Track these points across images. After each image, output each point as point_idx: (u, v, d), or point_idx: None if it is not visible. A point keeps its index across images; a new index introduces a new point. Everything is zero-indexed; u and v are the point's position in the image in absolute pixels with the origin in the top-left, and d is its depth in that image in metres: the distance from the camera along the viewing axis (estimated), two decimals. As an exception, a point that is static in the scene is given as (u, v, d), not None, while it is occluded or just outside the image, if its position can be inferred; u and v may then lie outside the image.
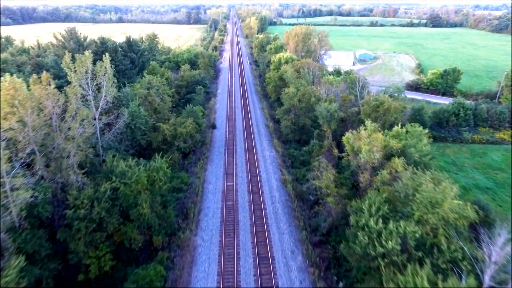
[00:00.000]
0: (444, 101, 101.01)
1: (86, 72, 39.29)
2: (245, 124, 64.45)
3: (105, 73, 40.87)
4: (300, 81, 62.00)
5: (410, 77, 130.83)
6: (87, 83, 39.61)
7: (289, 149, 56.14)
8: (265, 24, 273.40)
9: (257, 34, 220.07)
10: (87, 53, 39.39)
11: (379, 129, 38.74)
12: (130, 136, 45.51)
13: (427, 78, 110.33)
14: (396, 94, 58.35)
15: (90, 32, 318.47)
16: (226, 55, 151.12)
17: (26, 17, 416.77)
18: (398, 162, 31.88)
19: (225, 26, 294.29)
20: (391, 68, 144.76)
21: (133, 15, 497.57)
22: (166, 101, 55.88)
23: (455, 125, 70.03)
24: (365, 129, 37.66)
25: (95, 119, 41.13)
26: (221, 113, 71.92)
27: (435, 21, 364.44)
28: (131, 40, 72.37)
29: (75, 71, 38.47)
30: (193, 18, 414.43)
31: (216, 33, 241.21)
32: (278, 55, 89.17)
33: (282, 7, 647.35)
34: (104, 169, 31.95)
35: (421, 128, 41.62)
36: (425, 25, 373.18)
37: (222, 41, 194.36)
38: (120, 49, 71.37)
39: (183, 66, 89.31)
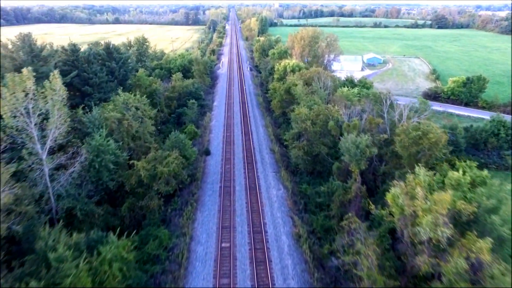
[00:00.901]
0: (468, 113, 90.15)
1: (26, 95, 28.31)
2: (245, 149, 53.35)
3: (52, 97, 29.85)
4: (313, 98, 50.94)
5: (425, 84, 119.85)
6: (28, 112, 28.63)
7: (300, 184, 45.09)
8: (265, 25, 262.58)
9: (258, 36, 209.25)
10: (26, 70, 28.36)
11: (434, 178, 27.73)
12: (94, 178, 34.47)
13: (447, 86, 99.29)
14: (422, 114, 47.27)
15: (84, 33, 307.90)
16: (224, 59, 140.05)
17: (20, 17, 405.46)
18: (481, 245, 20.83)
19: (224, 27, 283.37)
20: (403, 74, 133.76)
21: (130, 16, 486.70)
22: (147, 125, 44.83)
23: (495, 147, 58.96)
24: (414, 178, 26.68)
25: (41, 161, 30.21)
26: (217, 132, 60.82)
27: (441, 22, 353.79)
28: (111, 46, 61.21)
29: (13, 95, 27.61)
30: (191, 19, 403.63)
31: (215, 35, 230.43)
32: (283, 63, 78.15)
33: (282, 7, 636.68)
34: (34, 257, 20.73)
35: (485, 172, 30.76)
36: (430, 26, 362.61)
37: (220, 44, 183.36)
38: (98, 57, 60.32)
39: (174, 76, 78.30)
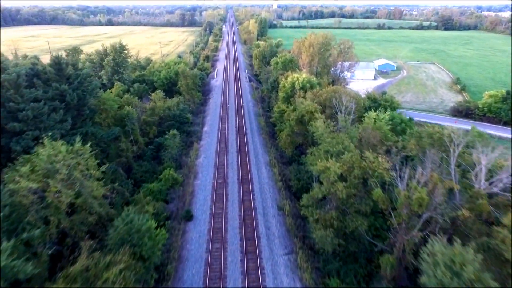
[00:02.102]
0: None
1: None
2: (243, 208, 37.59)
3: None
4: (340, 139, 35.12)
5: (449, 95, 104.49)
6: None
7: (326, 277, 29.48)
8: (265, 27, 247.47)
9: (257, 40, 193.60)
10: None
11: None
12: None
13: (483, 102, 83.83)
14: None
15: (73, 36, 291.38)
16: (220, 66, 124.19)
17: (8, 19, 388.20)
18: None
19: (221, 29, 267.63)
20: (422, 83, 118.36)
21: (124, 17, 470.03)
22: (93, 189, 28.99)
23: None
24: None
25: None
26: (206, 177, 44.99)
27: (447, 24, 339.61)
28: (62, 61, 45.14)
29: None
30: (187, 20, 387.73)
31: (210, 38, 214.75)
32: (290, 77, 62.36)
33: (281, 8, 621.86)
34: None
35: None
36: (436, 27, 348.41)
37: (216, 48, 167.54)
38: (44, 76, 44.47)
39: (153, 95, 62.49)
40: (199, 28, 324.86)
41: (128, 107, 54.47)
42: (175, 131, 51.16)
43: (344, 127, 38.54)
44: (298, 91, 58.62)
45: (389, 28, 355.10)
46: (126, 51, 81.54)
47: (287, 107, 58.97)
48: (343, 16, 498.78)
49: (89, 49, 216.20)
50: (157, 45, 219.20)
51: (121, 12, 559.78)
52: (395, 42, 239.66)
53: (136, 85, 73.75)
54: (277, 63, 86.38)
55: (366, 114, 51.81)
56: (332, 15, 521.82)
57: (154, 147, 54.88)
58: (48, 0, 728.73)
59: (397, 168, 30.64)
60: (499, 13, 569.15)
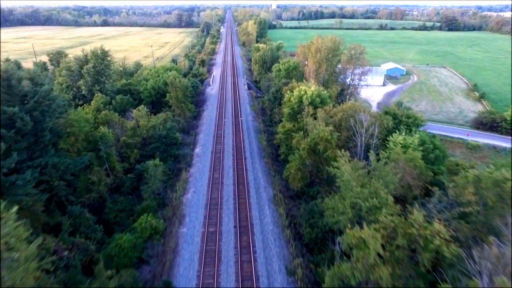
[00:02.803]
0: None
1: None
2: (241, 284, 28.12)
3: None
4: (374, 189, 25.69)
5: (467, 104, 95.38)
6: None
7: None
8: (264, 28, 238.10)
9: (257, 42, 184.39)
10: None
11: None
12: None
13: (510, 113, 74.78)
14: None
15: (66, 37, 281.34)
16: (217, 71, 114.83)
17: (1, 20, 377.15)
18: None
19: (218, 30, 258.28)
20: (436, 90, 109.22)
21: (121, 18, 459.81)
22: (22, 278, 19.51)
23: None
24: None
25: None
26: (194, 223, 35.67)
27: (451, 24, 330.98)
28: (13, 75, 35.58)
29: None
30: (184, 21, 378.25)
31: (207, 40, 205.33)
32: (296, 91, 53.03)
33: (280, 8, 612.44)
34: None
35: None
36: (440, 28, 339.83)
37: (213, 51, 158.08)
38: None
39: (135, 112, 53.04)
40: (197, 29, 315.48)
41: (103, 128, 45.04)
42: (157, 161, 41.62)
43: (375, 168, 29.10)
44: (306, 107, 49.38)
45: (392, 28, 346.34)
46: (109, 57, 72.02)
47: (294, 125, 49.73)
48: (344, 17, 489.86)
49: (79, 52, 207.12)
50: (153, 47, 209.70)
51: (118, 13, 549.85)
52: (399, 44, 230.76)
53: (119, 97, 64.29)
54: (279, 70, 77.12)
55: (390, 137, 42.71)
56: (332, 15, 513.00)
57: (134, 176, 45.50)
58: (46, 0, 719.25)
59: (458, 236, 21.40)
60: (500, 13, 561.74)
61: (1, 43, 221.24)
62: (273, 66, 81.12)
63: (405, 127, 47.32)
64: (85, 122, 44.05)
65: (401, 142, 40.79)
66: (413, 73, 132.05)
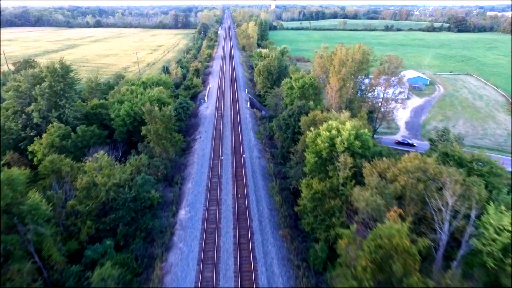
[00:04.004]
0: None
1: None
2: None
3: None
4: None
5: (514, 124, 79.28)
6: None
7: None
8: (265, 30, 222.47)
9: (258, 46, 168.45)
10: None
11: None
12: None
13: None
14: None
15: (54, 39, 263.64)
16: (213, 82, 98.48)
17: (0, 20, 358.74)
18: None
19: (216, 32, 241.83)
20: (470, 104, 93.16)
21: (115, 18, 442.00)
22: None
23: None
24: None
25: None
26: None
27: (460, 25, 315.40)
28: None
29: None
30: (181, 22, 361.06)
31: (204, 44, 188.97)
32: (324, 129, 36.71)
33: (280, 8, 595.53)
34: None
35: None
36: (449, 29, 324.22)
37: (210, 57, 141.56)
38: None
39: (88, 165, 36.42)
40: (193, 31, 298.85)
41: (36, 195, 29.00)
42: (109, 269, 25.29)
43: None
44: (341, 155, 33.19)
45: (398, 29, 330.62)
46: (72, 73, 55.49)
47: (324, 185, 33.45)
48: (346, 17, 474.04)
49: (67, 56, 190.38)
50: (144, 51, 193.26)
51: (113, 13, 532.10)
52: (410, 47, 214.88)
53: (80, 128, 47.84)
54: (291, 88, 60.82)
55: (485, 218, 26.60)
56: (334, 15, 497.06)
57: (82, 267, 29.38)
58: (41, 0, 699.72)
59: None
60: (505, 13, 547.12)
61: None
62: (283, 82, 64.86)
63: (482, 181, 31.02)
64: (7, 187, 28.11)
65: (505, 227, 24.93)
66: (437, 82, 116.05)
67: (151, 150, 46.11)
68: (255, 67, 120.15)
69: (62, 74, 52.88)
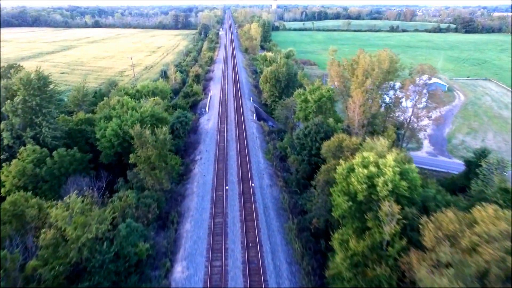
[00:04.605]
0: None
1: None
2: None
3: None
4: None
5: (550, 138, 71.19)
6: None
7: None
8: (268, 31, 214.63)
9: (261, 49, 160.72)
10: None
11: None
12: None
13: None
14: None
15: (50, 40, 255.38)
16: (215, 90, 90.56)
17: (0, 20, 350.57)
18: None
19: (217, 33, 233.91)
20: (496, 115, 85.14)
21: (114, 18, 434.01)
22: None
23: None
24: None
25: None
26: None
27: (468, 26, 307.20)
28: None
29: None
30: (181, 22, 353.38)
31: (205, 45, 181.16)
32: (358, 163, 28.77)
33: (281, 9, 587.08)
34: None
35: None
36: (456, 30, 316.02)
37: (211, 60, 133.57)
38: None
39: (55, 212, 28.29)
40: (194, 31, 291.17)
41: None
42: None
43: None
44: (385, 201, 25.33)
45: (404, 30, 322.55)
46: (51, 85, 47.55)
47: (365, 244, 25.40)
48: (349, 17, 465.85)
49: (62, 58, 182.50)
50: (143, 53, 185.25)
51: (113, 13, 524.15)
52: (419, 49, 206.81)
53: (57, 153, 39.89)
54: (305, 101, 52.85)
55: None
56: (337, 16, 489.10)
57: None
58: (40, 0, 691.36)
59: None
60: (509, 14, 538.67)
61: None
62: (296, 93, 56.82)
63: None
64: None
65: None
66: (455, 88, 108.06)
67: (142, 180, 38.10)
68: (259, 71, 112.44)
69: (39, 87, 44.92)
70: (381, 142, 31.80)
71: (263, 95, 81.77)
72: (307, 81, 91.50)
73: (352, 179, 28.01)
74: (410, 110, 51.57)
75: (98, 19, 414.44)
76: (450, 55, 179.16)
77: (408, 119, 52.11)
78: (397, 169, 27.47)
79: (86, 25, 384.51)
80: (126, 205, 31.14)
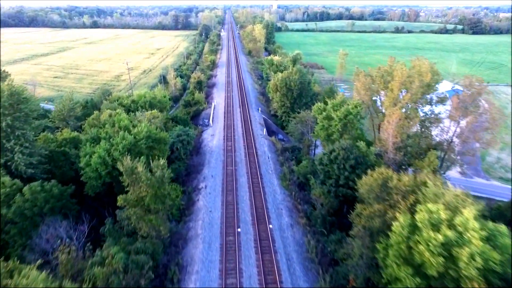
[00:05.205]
0: None
1: None
2: None
3: None
4: None
5: None
6: None
7: None
8: (272, 32, 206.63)
9: (267, 52, 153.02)
10: None
11: None
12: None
13: None
14: None
15: (46, 41, 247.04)
16: (218, 98, 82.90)
17: (0, 20, 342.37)
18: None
19: (219, 34, 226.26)
20: (528, 126, 77.53)
21: (113, 18, 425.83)
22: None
23: None
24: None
25: None
26: None
27: (475, 27, 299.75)
28: None
29: None
30: (181, 22, 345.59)
31: (206, 47, 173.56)
32: (422, 219, 21.02)
33: (282, 9, 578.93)
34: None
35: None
36: (463, 31, 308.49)
37: (213, 63, 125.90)
38: None
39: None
40: (194, 32, 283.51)
41: None
42: None
43: None
44: (472, 281, 17.51)
45: (409, 31, 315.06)
46: (29, 104, 39.73)
47: None
48: (352, 18, 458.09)
49: (56, 60, 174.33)
50: (141, 56, 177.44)
51: (111, 13, 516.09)
52: (428, 51, 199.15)
53: (29, 188, 32.17)
54: (328, 118, 45.19)
55: None
56: (339, 16, 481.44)
57: None
58: (40, 0, 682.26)
59: None
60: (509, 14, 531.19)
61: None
62: (315, 108, 49.03)
63: None
64: None
65: None
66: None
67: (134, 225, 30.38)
68: (266, 77, 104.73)
69: (11, 104, 37.25)
70: (451, 191, 23.98)
71: (273, 105, 74.06)
72: (318, 88, 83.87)
73: (420, 247, 20.35)
74: (452, 128, 43.96)
75: (97, 19, 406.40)
76: (463, 58, 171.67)
77: (449, 140, 44.50)
78: (484, 233, 19.83)
79: (84, 26, 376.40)
80: (111, 271, 23.43)
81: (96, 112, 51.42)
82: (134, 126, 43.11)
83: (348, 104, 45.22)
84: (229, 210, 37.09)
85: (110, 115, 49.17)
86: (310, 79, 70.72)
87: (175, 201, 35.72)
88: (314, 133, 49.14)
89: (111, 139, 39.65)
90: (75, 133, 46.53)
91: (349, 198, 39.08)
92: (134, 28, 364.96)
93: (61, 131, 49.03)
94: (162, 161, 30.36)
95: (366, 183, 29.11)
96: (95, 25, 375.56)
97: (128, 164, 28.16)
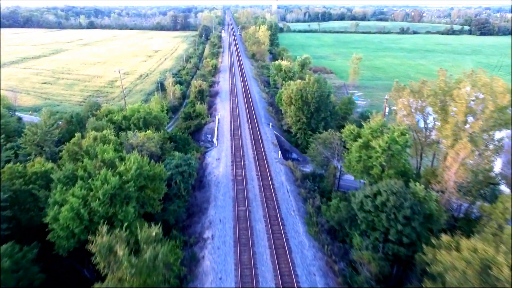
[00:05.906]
0: None
1: None
2: None
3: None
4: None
5: None
6: None
7: None
8: (275, 34, 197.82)
9: (271, 55, 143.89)
10: None
11: None
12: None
13: None
14: None
15: (39, 43, 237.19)
16: (222, 110, 73.63)
17: (0, 20, 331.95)
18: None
19: (220, 37, 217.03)
20: None
21: (110, 19, 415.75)
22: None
23: None
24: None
25: None
26: None
27: (483, 28, 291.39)
28: None
29: None
30: (180, 23, 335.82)
31: (207, 50, 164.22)
32: None
33: (283, 9, 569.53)
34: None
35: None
36: (470, 32, 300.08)
37: (215, 68, 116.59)
38: None
39: None
40: (194, 32, 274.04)
41: None
42: None
43: None
44: None
45: (414, 32, 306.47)
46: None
47: None
48: (354, 18, 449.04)
49: (48, 64, 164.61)
50: (139, 58, 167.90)
51: (109, 14, 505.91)
52: (437, 53, 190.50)
53: None
54: (366, 146, 36.02)
55: None
56: (341, 17, 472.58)
57: None
58: (36, 0, 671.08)
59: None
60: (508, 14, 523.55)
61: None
62: (346, 132, 39.71)
63: None
64: None
65: None
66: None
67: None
68: (273, 83, 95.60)
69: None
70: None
71: (286, 119, 64.78)
72: (333, 97, 74.65)
73: None
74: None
75: (94, 19, 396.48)
76: (477, 60, 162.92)
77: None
78: None
79: (80, 26, 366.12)
80: None
81: (77, 134, 42.02)
82: (122, 159, 33.84)
83: (388, 128, 36.06)
84: (245, 278, 27.80)
85: (95, 139, 40.00)
86: (330, 91, 61.48)
87: (172, 267, 26.39)
88: (345, 162, 39.88)
89: (90, 179, 30.39)
90: (50, 165, 37.14)
91: (401, 257, 30.10)
92: (132, 28, 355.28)
93: (33, 160, 39.68)
94: (155, 231, 21.00)
95: (455, 266, 19.83)
96: (91, 26, 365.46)
97: (103, 243, 18.85)
